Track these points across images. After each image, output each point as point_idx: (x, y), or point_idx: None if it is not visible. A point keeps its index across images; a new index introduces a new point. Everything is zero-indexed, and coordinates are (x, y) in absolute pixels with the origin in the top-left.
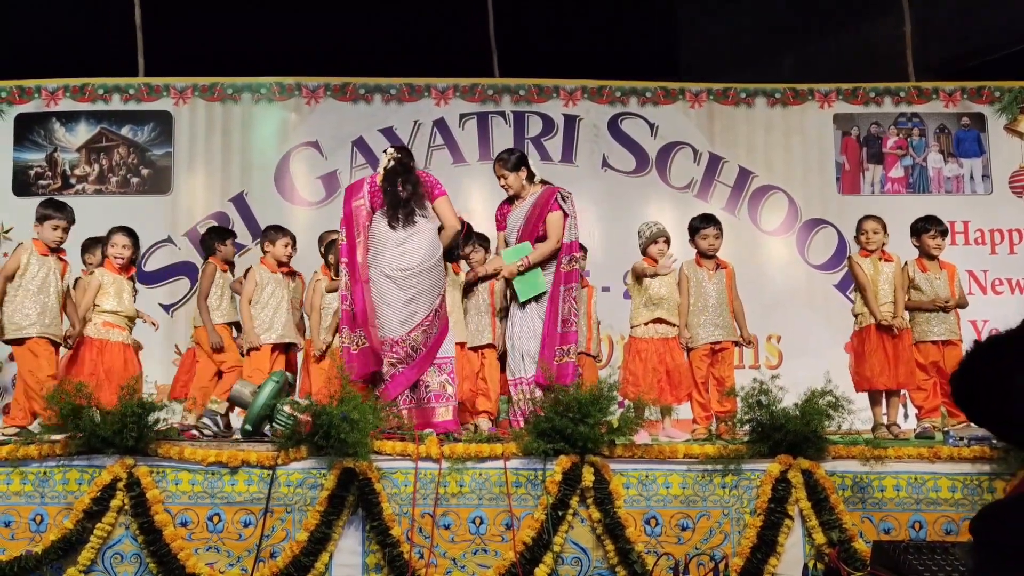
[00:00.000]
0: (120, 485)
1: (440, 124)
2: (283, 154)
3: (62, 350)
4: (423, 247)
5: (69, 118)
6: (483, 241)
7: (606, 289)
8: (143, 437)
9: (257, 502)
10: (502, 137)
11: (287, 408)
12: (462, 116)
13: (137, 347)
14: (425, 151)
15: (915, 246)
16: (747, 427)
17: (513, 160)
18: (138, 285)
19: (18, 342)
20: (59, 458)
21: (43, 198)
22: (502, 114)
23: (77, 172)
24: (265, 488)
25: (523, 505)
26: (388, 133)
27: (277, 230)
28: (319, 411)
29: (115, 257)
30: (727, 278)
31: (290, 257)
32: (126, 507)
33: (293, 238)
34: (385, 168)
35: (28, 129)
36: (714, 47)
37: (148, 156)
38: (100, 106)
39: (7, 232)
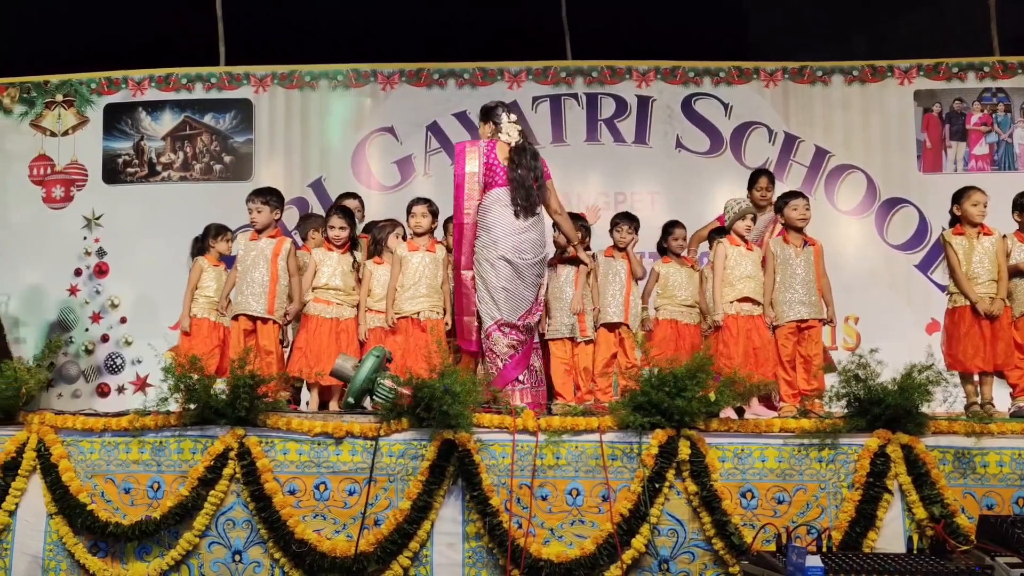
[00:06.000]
0: (232, 454)
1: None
2: (359, 140)
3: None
4: (540, 237)
5: (155, 107)
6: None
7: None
8: (253, 408)
9: (361, 472)
10: (575, 119)
11: (387, 382)
12: (535, 99)
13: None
14: None
15: (1016, 221)
16: (843, 401)
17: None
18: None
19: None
20: (174, 428)
21: (130, 185)
22: (575, 96)
23: (163, 160)
24: (368, 458)
25: (619, 478)
26: (462, 117)
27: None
28: (420, 384)
29: (334, 238)
30: (815, 255)
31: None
32: (237, 475)
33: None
34: (513, 145)
35: (116, 119)
36: (785, 22)
37: (230, 143)
38: (184, 95)
39: (98, 219)
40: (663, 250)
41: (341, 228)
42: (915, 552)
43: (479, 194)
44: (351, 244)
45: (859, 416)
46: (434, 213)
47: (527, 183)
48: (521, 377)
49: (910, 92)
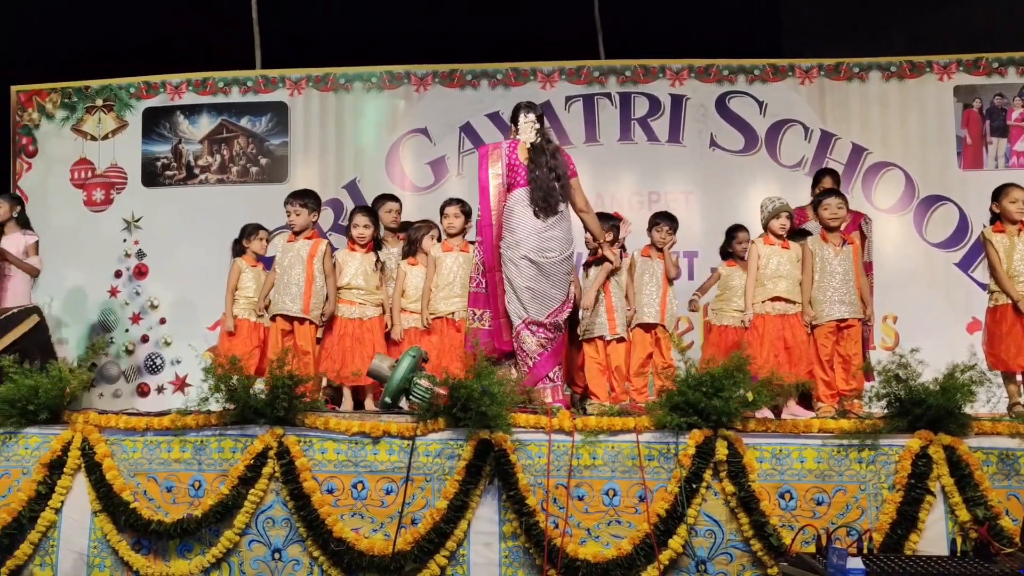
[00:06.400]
0: (271, 453)
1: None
2: (393, 141)
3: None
4: (566, 234)
5: (192, 111)
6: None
7: (715, 270)
8: (292, 408)
9: (398, 471)
10: (608, 119)
11: (423, 382)
12: (568, 99)
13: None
14: None
15: None
16: (883, 402)
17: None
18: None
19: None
20: (215, 428)
21: (169, 188)
22: (608, 96)
23: (200, 163)
24: (405, 458)
25: (656, 478)
26: (495, 118)
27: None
28: (457, 384)
29: (358, 237)
30: (854, 254)
31: None
32: (277, 474)
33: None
34: (532, 143)
35: (155, 122)
36: (820, 19)
37: (266, 146)
38: (220, 99)
39: (137, 221)
40: (727, 254)
41: (365, 227)
42: (958, 555)
43: (504, 195)
44: (375, 244)
45: (900, 417)
46: (467, 213)
47: (547, 183)
48: (551, 374)
49: (949, 88)
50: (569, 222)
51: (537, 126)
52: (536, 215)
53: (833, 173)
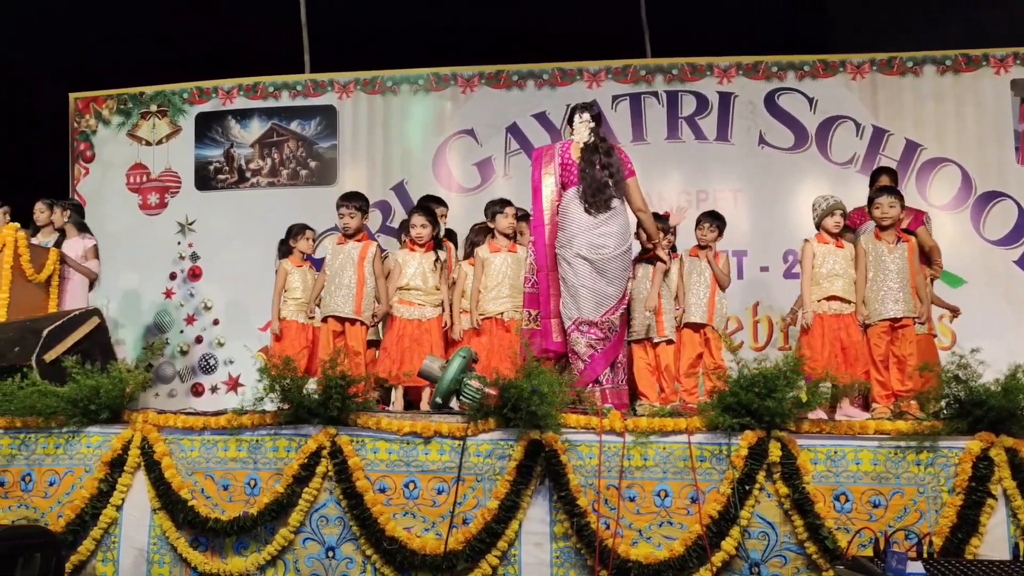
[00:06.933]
0: (324, 453)
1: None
2: (440, 143)
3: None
4: (619, 231)
5: (243, 115)
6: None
7: (764, 269)
8: (345, 408)
9: (449, 471)
10: (655, 118)
11: (474, 382)
12: (615, 98)
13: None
14: None
15: None
16: (942, 403)
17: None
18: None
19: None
20: (270, 427)
21: (221, 191)
22: (655, 94)
23: (252, 166)
24: (456, 458)
25: (708, 479)
26: (541, 118)
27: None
28: (507, 385)
29: (416, 237)
30: (908, 252)
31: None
32: (330, 473)
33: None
34: (586, 143)
35: (207, 127)
36: (871, 12)
37: (315, 149)
38: (271, 103)
39: (191, 224)
40: None
41: (423, 226)
42: (1021, 559)
43: (557, 196)
44: (435, 243)
45: (960, 418)
46: (517, 215)
47: (599, 180)
48: (601, 378)
49: (1006, 82)
50: (626, 218)
51: (592, 125)
52: (587, 211)
53: (890, 171)
